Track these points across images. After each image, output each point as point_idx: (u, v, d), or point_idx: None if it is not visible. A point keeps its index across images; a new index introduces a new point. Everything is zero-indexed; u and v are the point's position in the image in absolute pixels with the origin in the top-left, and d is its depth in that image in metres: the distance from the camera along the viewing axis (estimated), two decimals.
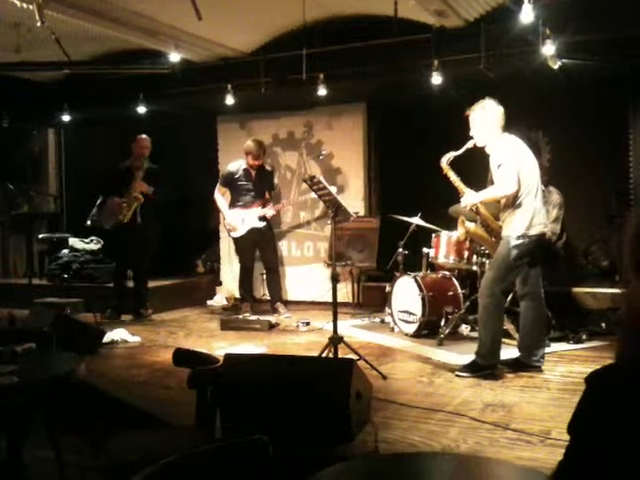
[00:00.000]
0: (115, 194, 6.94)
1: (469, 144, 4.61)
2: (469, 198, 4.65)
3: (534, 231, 4.45)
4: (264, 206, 7.14)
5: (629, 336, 1.05)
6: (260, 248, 7.24)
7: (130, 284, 7.25)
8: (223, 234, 8.38)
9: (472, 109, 4.58)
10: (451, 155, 4.71)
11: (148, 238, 7.00)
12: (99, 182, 7.29)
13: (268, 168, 7.44)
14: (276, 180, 7.71)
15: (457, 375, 4.53)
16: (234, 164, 7.28)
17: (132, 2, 5.69)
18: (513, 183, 4.37)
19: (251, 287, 7.34)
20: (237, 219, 7.09)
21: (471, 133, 4.59)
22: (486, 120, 4.52)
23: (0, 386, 2.62)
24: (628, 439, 0.96)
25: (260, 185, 7.19)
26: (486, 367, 4.48)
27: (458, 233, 5.32)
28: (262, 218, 7.11)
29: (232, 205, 7.19)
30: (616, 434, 0.97)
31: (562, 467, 1.03)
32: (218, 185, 7.32)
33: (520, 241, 4.42)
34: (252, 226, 7.06)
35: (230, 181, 7.19)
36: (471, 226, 4.92)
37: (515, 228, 4.44)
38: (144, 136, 7.04)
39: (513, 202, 4.45)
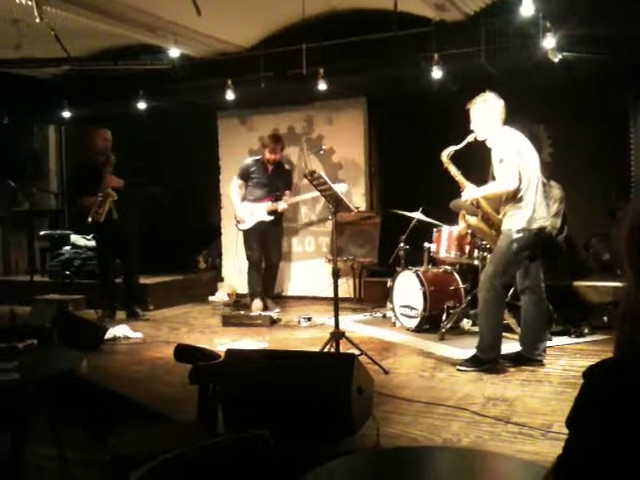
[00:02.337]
0: (85, 194, 6.73)
1: (470, 138, 4.60)
2: (470, 192, 4.65)
3: (535, 225, 4.45)
4: (275, 201, 7.09)
5: (627, 329, 1.05)
6: (265, 242, 7.18)
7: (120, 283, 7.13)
8: (225, 229, 8.39)
9: (473, 102, 4.57)
10: (452, 149, 4.70)
11: (128, 233, 6.86)
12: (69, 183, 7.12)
13: (286, 167, 7.39)
14: (295, 179, 7.65)
15: (458, 369, 4.54)
16: (252, 158, 7.29)
17: None
18: (515, 179, 4.37)
19: (260, 282, 7.16)
20: (246, 212, 7.07)
21: (471, 127, 4.59)
22: (487, 113, 4.51)
23: (2, 383, 2.62)
24: (627, 433, 0.96)
25: (274, 181, 7.12)
26: (487, 361, 4.49)
27: (459, 227, 5.31)
28: (272, 212, 7.06)
29: (245, 198, 7.15)
30: (614, 428, 0.97)
31: (561, 461, 1.03)
32: (235, 178, 7.26)
33: (520, 235, 4.42)
34: (260, 219, 7.03)
35: (247, 174, 7.14)
36: (472, 220, 4.92)
37: (515, 222, 4.44)
38: (103, 129, 6.84)
39: (514, 196, 4.45)
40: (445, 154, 4.73)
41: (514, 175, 4.37)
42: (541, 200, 4.53)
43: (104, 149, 6.77)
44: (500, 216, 4.64)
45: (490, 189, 4.58)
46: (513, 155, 4.40)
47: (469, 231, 5.42)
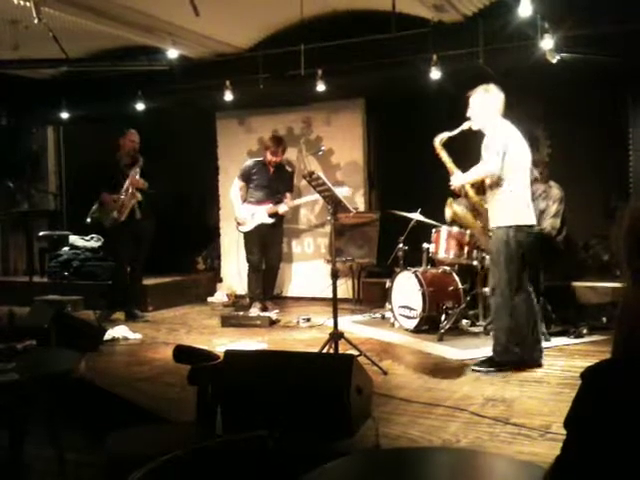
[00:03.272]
0: (106, 191, 6.74)
1: (464, 126, 4.58)
2: (458, 179, 4.64)
3: (522, 222, 4.41)
4: (276, 204, 7.05)
5: (625, 329, 1.05)
6: (265, 244, 7.14)
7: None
8: (224, 230, 8.39)
9: (474, 91, 4.55)
10: (445, 135, 4.70)
11: (148, 233, 6.87)
12: (94, 178, 7.12)
13: (288, 169, 7.32)
14: (294, 181, 7.63)
15: (473, 370, 4.50)
16: (254, 159, 7.26)
17: None
18: (496, 164, 4.34)
19: (260, 285, 7.10)
20: (247, 213, 7.05)
21: (468, 114, 4.57)
22: (487, 103, 4.49)
23: (0, 383, 2.62)
24: (625, 434, 0.96)
25: (275, 183, 7.07)
26: (502, 363, 4.47)
27: (446, 215, 5.34)
28: (272, 215, 7.03)
29: (245, 200, 7.11)
30: (613, 429, 0.97)
31: (559, 462, 1.03)
32: (236, 179, 7.21)
33: (512, 234, 4.39)
34: (261, 222, 7.00)
35: (248, 175, 7.10)
36: (458, 209, 4.93)
37: (504, 218, 4.41)
38: (132, 130, 6.85)
39: (497, 184, 4.40)
40: (438, 140, 4.72)
41: (496, 160, 4.34)
42: (529, 201, 4.50)
43: (131, 150, 6.78)
44: (485, 206, 4.62)
45: (475, 173, 4.53)
46: (500, 142, 4.38)
47: (454, 219, 5.41)
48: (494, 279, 4.51)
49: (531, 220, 4.50)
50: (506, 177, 4.39)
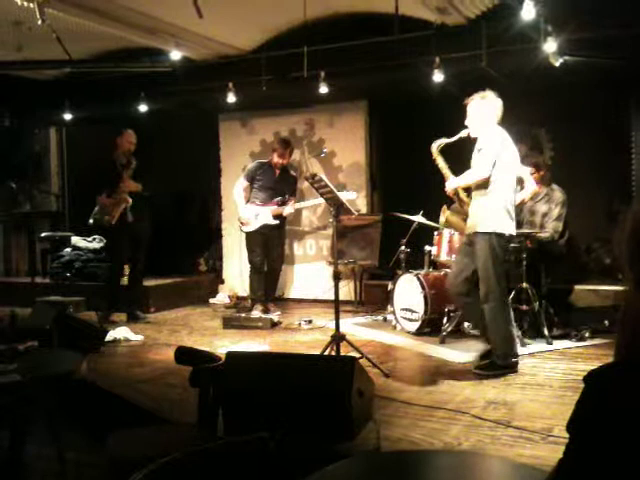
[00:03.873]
0: (104, 191, 6.72)
1: (463, 133, 4.58)
2: (451, 183, 4.64)
3: (500, 230, 4.41)
4: (281, 205, 7.03)
5: (628, 332, 1.05)
6: (268, 245, 7.12)
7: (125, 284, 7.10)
8: (225, 232, 8.39)
9: (471, 98, 4.56)
10: (442, 142, 4.70)
11: (142, 235, 6.85)
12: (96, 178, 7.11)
13: (293, 173, 7.29)
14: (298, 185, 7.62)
15: (475, 373, 4.49)
16: (259, 160, 7.25)
17: (133, 0, 5.69)
18: (487, 168, 4.37)
19: (262, 286, 7.09)
20: (251, 214, 7.04)
21: (466, 122, 4.58)
22: (483, 110, 4.50)
23: (2, 384, 2.62)
24: (628, 438, 0.95)
25: (280, 186, 7.06)
26: (504, 367, 4.46)
27: (440, 221, 5.36)
28: (277, 216, 7.01)
29: (249, 201, 7.09)
30: (616, 433, 0.97)
31: (562, 465, 1.03)
32: (241, 179, 7.18)
33: (496, 240, 4.39)
34: (265, 222, 6.99)
35: (253, 176, 7.08)
36: (451, 217, 4.95)
37: (486, 225, 4.41)
38: (130, 131, 6.81)
39: (484, 187, 4.42)
40: (435, 146, 4.72)
41: (488, 164, 4.36)
42: (511, 209, 4.49)
43: (127, 151, 6.77)
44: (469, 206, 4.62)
45: (466, 178, 4.55)
46: (493, 146, 4.39)
47: (448, 225, 5.41)
48: (486, 286, 4.47)
49: (510, 230, 4.49)
50: (492, 184, 4.41)
